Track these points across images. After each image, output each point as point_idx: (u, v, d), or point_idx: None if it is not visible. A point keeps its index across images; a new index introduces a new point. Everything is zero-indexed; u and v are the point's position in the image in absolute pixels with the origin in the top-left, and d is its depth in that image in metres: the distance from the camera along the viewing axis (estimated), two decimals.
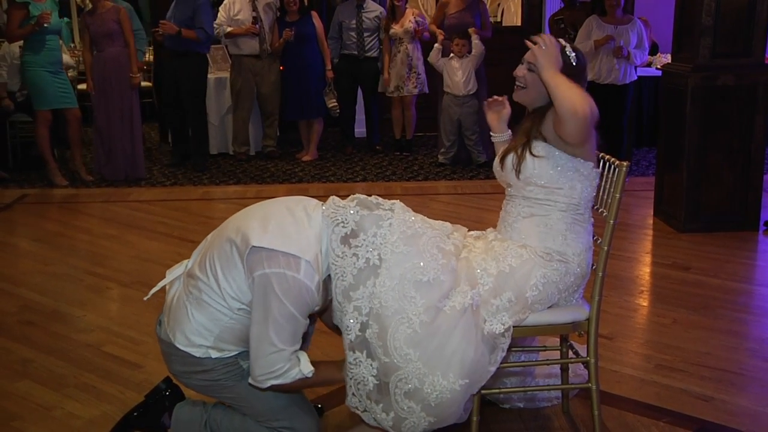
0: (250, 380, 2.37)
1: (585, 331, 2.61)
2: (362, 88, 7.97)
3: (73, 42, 9.50)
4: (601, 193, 2.66)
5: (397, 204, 2.46)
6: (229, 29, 7.40)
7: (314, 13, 7.63)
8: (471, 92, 7.12)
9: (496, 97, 2.91)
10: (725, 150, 5.17)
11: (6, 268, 4.71)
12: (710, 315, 3.89)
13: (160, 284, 2.62)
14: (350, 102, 7.96)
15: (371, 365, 2.33)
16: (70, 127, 6.77)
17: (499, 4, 9.78)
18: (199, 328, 2.40)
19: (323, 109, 7.61)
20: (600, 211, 2.65)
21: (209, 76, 7.81)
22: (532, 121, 2.61)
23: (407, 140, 7.99)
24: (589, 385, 2.64)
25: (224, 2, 7.52)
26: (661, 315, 3.90)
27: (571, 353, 2.87)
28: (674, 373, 3.28)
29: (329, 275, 2.37)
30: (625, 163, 2.55)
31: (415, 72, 7.60)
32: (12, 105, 7.22)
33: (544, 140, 2.55)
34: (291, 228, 2.32)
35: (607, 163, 2.65)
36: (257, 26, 7.35)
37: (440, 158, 7.43)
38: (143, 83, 7.61)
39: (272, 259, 2.26)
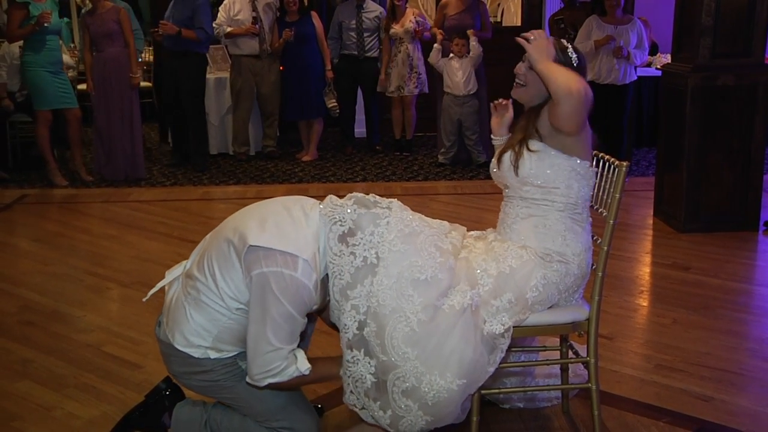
0: (247, 379, 2.37)
1: (585, 331, 2.61)
2: (362, 89, 7.97)
3: (73, 42, 9.50)
4: (600, 193, 2.66)
5: (395, 202, 2.46)
6: (229, 29, 7.40)
7: (314, 13, 7.64)
8: (471, 92, 7.13)
9: (501, 100, 2.91)
10: (725, 150, 5.17)
11: (6, 269, 4.72)
12: (710, 315, 3.89)
13: (159, 285, 2.63)
14: (350, 102, 7.96)
15: (369, 363, 2.33)
16: (71, 127, 6.77)
17: (499, 4, 9.78)
18: (198, 329, 2.40)
19: (323, 109, 7.61)
20: (600, 211, 2.65)
21: (209, 76, 7.83)
22: (528, 119, 2.61)
23: (407, 140, 7.99)
24: (589, 385, 2.64)
25: (224, 2, 7.52)
26: (661, 315, 3.90)
27: (571, 353, 2.87)
28: (674, 373, 3.28)
29: (327, 274, 2.37)
30: (624, 163, 2.55)
31: (416, 72, 7.60)
32: (12, 105, 7.22)
33: (540, 138, 2.56)
34: (288, 227, 2.33)
35: (607, 163, 2.65)
36: (257, 26, 7.35)
37: (440, 158, 7.43)
38: (143, 83, 7.62)
39: (269, 258, 2.26)
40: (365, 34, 7.71)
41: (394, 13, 7.57)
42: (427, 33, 7.50)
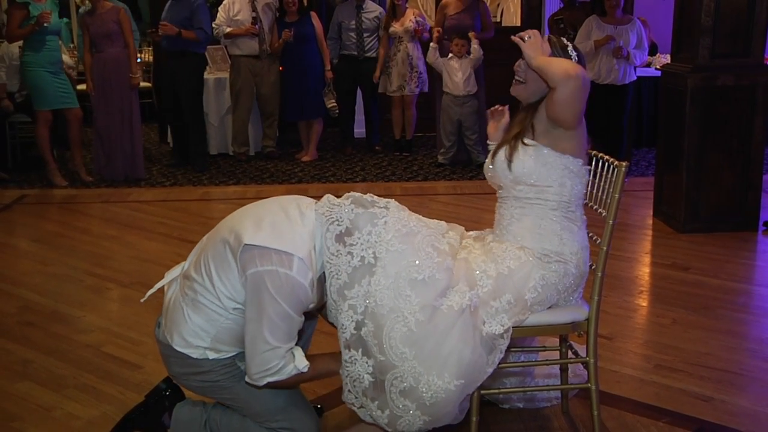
0: (246, 378, 2.37)
1: (584, 331, 2.61)
2: (362, 89, 7.97)
3: (72, 42, 9.50)
4: (600, 194, 2.66)
5: (392, 202, 2.46)
6: (228, 29, 7.40)
7: (313, 14, 7.64)
8: (471, 92, 7.13)
9: (498, 106, 2.93)
10: (725, 150, 5.17)
11: (6, 269, 4.72)
12: (710, 315, 3.89)
13: (157, 286, 2.63)
14: (350, 102, 7.96)
15: (367, 363, 2.33)
16: (71, 128, 6.78)
17: (498, 5, 9.79)
18: (196, 329, 2.40)
19: (322, 109, 7.61)
20: (599, 211, 2.65)
21: (209, 76, 7.84)
22: (526, 113, 2.62)
23: (407, 140, 7.99)
24: (589, 385, 2.64)
25: (224, 3, 7.52)
26: (660, 315, 3.90)
27: (570, 353, 2.87)
28: (674, 373, 3.28)
29: (324, 273, 2.37)
30: (624, 164, 2.55)
31: (416, 71, 7.61)
32: (11, 106, 7.23)
33: (533, 136, 2.56)
34: (284, 226, 2.33)
35: (606, 164, 2.65)
36: (257, 27, 7.35)
37: (440, 158, 7.44)
38: (143, 84, 7.62)
39: (264, 256, 2.26)
40: (365, 35, 7.71)
41: (395, 12, 7.58)
42: (426, 33, 7.51)
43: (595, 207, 2.69)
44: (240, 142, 7.76)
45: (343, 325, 2.34)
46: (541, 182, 2.54)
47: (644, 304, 4.09)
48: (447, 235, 2.54)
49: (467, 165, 7.31)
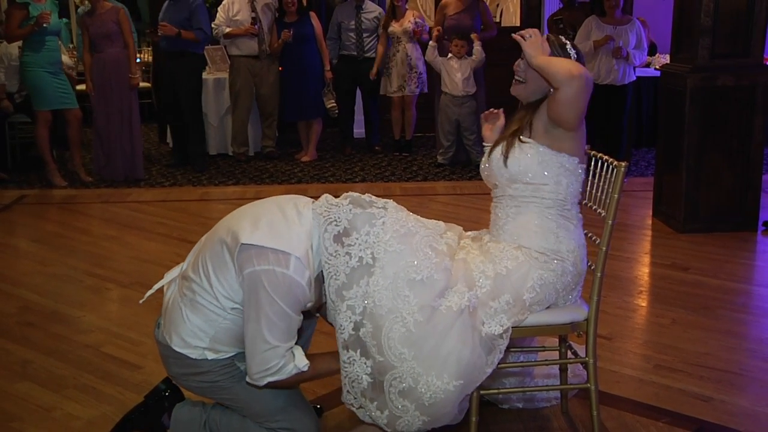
0: (247, 378, 2.37)
1: (584, 331, 2.61)
2: (361, 89, 7.98)
3: (72, 42, 9.50)
4: (599, 194, 2.66)
5: (390, 203, 2.46)
6: (227, 30, 7.40)
7: (313, 14, 7.64)
8: (469, 93, 7.13)
9: (492, 109, 2.94)
10: (724, 150, 5.17)
11: (5, 269, 4.72)
12: (709, 315, 3.89)
13: (156, 286, 2.63)
14: (349, 102, 7.96)
15: (365, 364, 2.33)
16: (71, 128, 6.78)
17: (498, 5, 9.79)
18: (195, 330, 2.40)
19: (322, 109, 7.61)
20: (598, 211, 2.65)
21: (208, 77, 7.85)
22: (525, 112, 2.62)
23: (407, 141, 7.99)
24: (588, 385, 2.64)
25: (223, 3, 7.53)
26: (660, 315, 3.90)
27: (570, 354, 2.87)
28: (673, 373, 3.28)
29: (322, 272, 2.37)
30: (623, 164, 2.55)
31: (415, 72, 7.61)
32: (11, 106, 7.23)
33: (530, 134, 2.56)
34: (281, 225, 2.33)
35: (606, 164, 2.65)
36: (256, 27, 7.35)
37: (439, 159, 7.44)
38: (142, 84, 7.62)
39: (261, 256, 2.26)
40: (364, 35, 7.72)
41: (394, 13, 7.58)
42: (426, 35, 7.51)
43: (594, 207, 2.69)
44: (239, 143, 7.76)
45: (341, 325, 2.34)
46: (537, 180, 2.54)
47: (644, 304, 4.09)
48: (445, 235, 2.54)
49: (467, 165, 7.31)
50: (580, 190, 2.64)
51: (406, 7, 7.70)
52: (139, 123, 7.00)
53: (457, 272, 2.42)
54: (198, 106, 7.29)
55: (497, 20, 9.76)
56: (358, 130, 8.42)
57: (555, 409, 2.99)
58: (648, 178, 6.51)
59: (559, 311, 2.58)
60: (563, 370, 2.92)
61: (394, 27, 7.55)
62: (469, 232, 2.74)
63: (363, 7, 7.71)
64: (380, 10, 7.83)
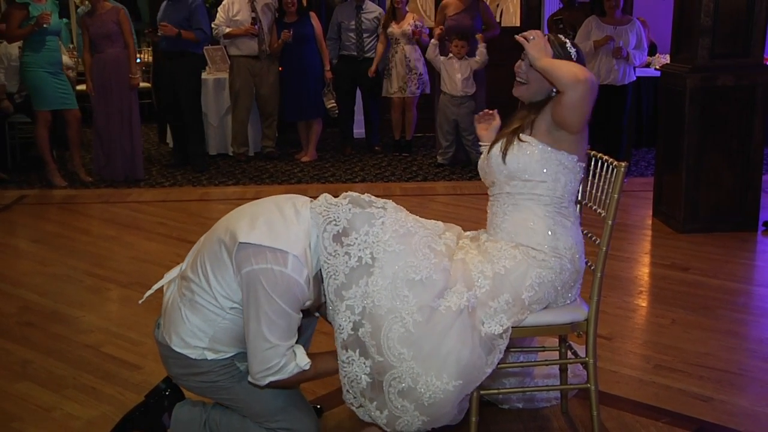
0: (249, 378, 2.37)
1: (584, 331, 2.61)
2: (361, 89, 7.98)
3: (72, 43, 9.50)
4: (599, 194, 2.66)
5: (390, 203, 2.46)
6: (227, 30, 7.40)
7: (313, 14, 7.64)
8: (468, 93, 7.13)
9: (487, 110, 2.94)
10: (724, 150, 5.17)
11: (5, 269, 4.72)
12: (709, 315, 3.89)
13: (155, 287, 2.64)
14: (349, 103, 7.96)
15: (364, 364, 2.33)
16: (70, 128, 6.78)
17: (498, 5, 9.79)
18: (194, 330, 2.40)
19: (322, 109, 7.62)
20: (598, 211, 2.65)
21: (208, 77, 7.86)
22: (527, 111, 2.62)
23: (407, 141, 8.00)
24: (588, 385, 2.64)
25: (223, 3, 7.53)
26: (660, 315, 3.90)
27: (570, 354, 2.87)
28: (673, 373, 3.28)
29: (321, 271, 2.37)
30: (623, 164, 2.55)
31: (414, 73, 7.61)
32: (11, 107, 7.23)
33: (532, 131, 2.56)
34: (279, 224, 2.33)
35: (606, 164, 2.65)
36: (256, 27, 7.35)
37: (439, 159, 7.44)
38: (142, 84, 7.63)
39: (259, 255, 2.26)
40: (364, 35, 7.72)
41: (394, 15, 7.58)
42: (425, 37, 7.51)
43: (594, 207, 2.69)
44: (239, 143, 7.76)
45: (340, 325, 2.34)
46: (535, 177, 2.54)
47: (644, 304, 4.09)
48: (443, 236, 2.54)
49: (466, 165, 7.31)
50: (578, 188, 2.64)
51: (407, 9, 7.70)
52: (139, 123, 7.00)
53: (456, 273, 2.42)
54: (198, 106, 7.29)
55: (497, 20, 9.77)
56: (358, 131, 8.43)
57: (555, 410, 2.99)
58: (648, 178, 6.52)
59: (559, 311, 2.58)
60: (563, 370, 2.92)
61: (394, 29, 7.55)
62: (468, 232, 2.74)
63: (363, 7, 7.72)
64: (380, 10, 7.83)
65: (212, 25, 7.37)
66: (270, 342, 2.27)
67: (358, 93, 8.05)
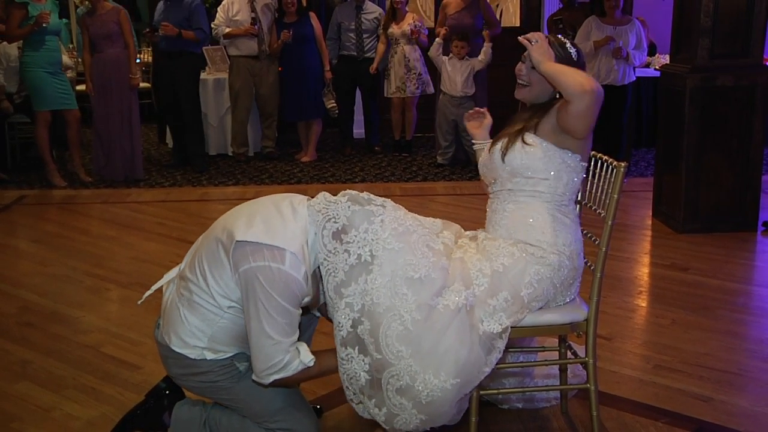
0: (253, 377, 2.37)
1: (583, 331, 2.61)
2: (361, 89, 7.98)
3: (72, 43, 9.50)
4: (599, 194, 2.66)
5: (389, 201, 2.47)
6: (227, 30, 7.40)
7: (312, 14, 7.64)
8: (468, 94, 7.13)
9: (477, 108, 2.95)
10: (724, 151, 5.17)
11: (5, 270, 4.72)
12: (709, 316, 3.89)
13: (154, 287, 2.64)
14: (349, 103, 7.96)
15: (363, 361, 2.33)
16: (70, 129, 6.78)
17: (498, 5, 9.79)
18: (193, 329, 2.40)
19: (322, 109, 7.62)
20: (598, 212, 2.65)
21: (208, 77, 7.86)
22: (533, 112, 2.62)
23: (407, 141, 8.00)
24: (588, 385, 2.64)
25: (223, 3, 7.53)
26: (659, 316, 3.90)
27: (569, 354, 2.87)
28: (673, 373, 3.28)
29: (319, 267, 2.37)
30: (622, 164, 2.55)
31: (414, 73, 7.60)
32: (11, 107, 7.24)
33: (536, 130, 2.57)
34: (276, 222, 2.33)
35: (605, 164, 2.65)
36: (256, 27, 7.35)
37: (438, 159, 7.44)
38: (142, 84, 7.63)
39: (256, 252, 2.26)
40: (364, 35, 7.72)
41: (394, 15, 7.58)
42: (424, 37, 7.51)
43: (593, 207, 2.69)
44: (239, 143, 7.77)
45: (339, 323, 2.35)
46: (538, 174, 2.55)
47: (643, 304, 4.09)
48: (441, 234, 2.55)
49: (466, 165, 7.31)
50: (579, 187, 2.64)
51: (406, 9, 7.70)
52: (139, 123, 7.00)
53: (455, 271, 2.42)
54: (197, 107, 7.29)
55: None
56: (358, 131, 8.43)
57: (555, 410, 2.99)
58: (648, 179, 6.52)
59: (559, 311, 2.58)
60: (563, 370, 2.92)
61: (394, 29, 7.55)
62: (467, 232, 2.75)
63: (363, 7, 7.72)
64: (380, 10, 7.83)
65: (212, 25, 7.37)
66: (272, 338, 2.27)
67: (358, 93, 8.05)
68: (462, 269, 2.44)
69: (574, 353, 2.85)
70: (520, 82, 2.65)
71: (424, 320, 2.29)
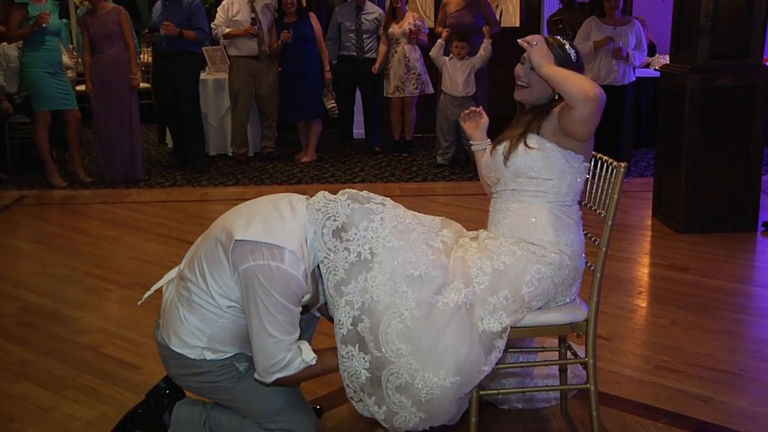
0: (255, 375, 2.37)
1: (583, 331, 2.61)
2: (361, 90, 7.98)
3: (72, 43, 9.50)
4: (599, 194, 2.66)
5: (388, 200, 2.47)
6: (227, 30, 7.40)
7: (312, 15, 7.64)
8: (469, 94, 7.12)
9: (473, 108, 2.95)
10: (724, 151, 5.17)
11: (5, 270, 4.72)
12: (709, 316, 3.89)
13: (154, 287, 2.64)
14: (349, 103, 7.96)
15: (363, 359, 2.34)
16: (70, 129, 6.78)
17: (497, 5, 9.79)
18: (193, 329, 2.40)
19: (322, 110, 7.62)
20: (598, 212, 2.65)
21: (208, 77, 7.86)
22: (533, 115, 2.62)
23: (406, 141, 8.00)
24: (588, 386, 2.64)
25: (223, 3, 7.53)
26: (659, 316, 3.90)
27: (569, 354, 2.87)
28: (673, 373, 3.28)
29: (318, 266, 2.37)
30: (622, 164, 2.55)
31: (413, 73, 7.60)
32: (11, 108, 7.24)
33: (539, 130, 2.57)
34: (275, 220, 2.34)
35: (605, 164, 2.66)
36: (256, 27, 7.35)
37: (438, 159, 7.44)
38: (142, 84, 7.63)
39: (256, 251, 2.26)
40: (364, 36, 7.72)
41: (394, 15, 7.58)
42: (423, 37, 7.51)
43: (593, 208, 2.69)
44: (239, 143, 7.76)
45: (339, 321, 2.35)
46: (542, 175, 2.55)
47: (643, 304, 4.09)
48: (440, 233, 2.55)
49: (466, 165, 7.31)
50: (582, 188, 2.64)
51: (406, 8, 7.70)
52: (139, 123, 7.00)
53: (455, 269, 2.43)
54: (197, 107, 7.29)
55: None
56: (358, 131, 8.43)
57: (555, 410, 2.99)
58: (647, 179, 6.52)
59: (559, 311, 2.58)
60: (563, 370, 2.92)
61: (394, 29, 7.55)
62: (468, 232, 2.75)
63: (363, 8, 7.71)
64: (380, 11, 7.83)
65: (212, 26, 7.37)
66: (273, 336, 2.27)
67: (358, 93, 8.05)
68: (462, 267, 2.44)
69: (574, 353, 2.85)
70: (519, 83, 2.66)
71: (423, 318, 2.29)
